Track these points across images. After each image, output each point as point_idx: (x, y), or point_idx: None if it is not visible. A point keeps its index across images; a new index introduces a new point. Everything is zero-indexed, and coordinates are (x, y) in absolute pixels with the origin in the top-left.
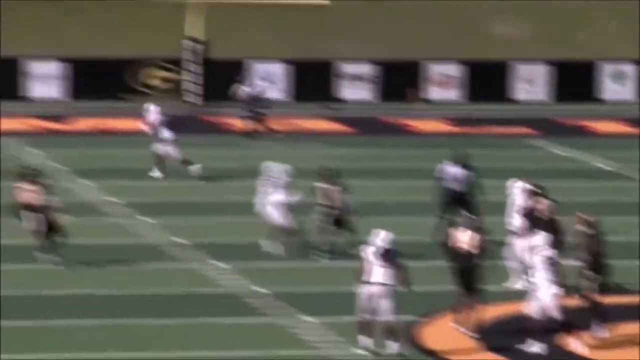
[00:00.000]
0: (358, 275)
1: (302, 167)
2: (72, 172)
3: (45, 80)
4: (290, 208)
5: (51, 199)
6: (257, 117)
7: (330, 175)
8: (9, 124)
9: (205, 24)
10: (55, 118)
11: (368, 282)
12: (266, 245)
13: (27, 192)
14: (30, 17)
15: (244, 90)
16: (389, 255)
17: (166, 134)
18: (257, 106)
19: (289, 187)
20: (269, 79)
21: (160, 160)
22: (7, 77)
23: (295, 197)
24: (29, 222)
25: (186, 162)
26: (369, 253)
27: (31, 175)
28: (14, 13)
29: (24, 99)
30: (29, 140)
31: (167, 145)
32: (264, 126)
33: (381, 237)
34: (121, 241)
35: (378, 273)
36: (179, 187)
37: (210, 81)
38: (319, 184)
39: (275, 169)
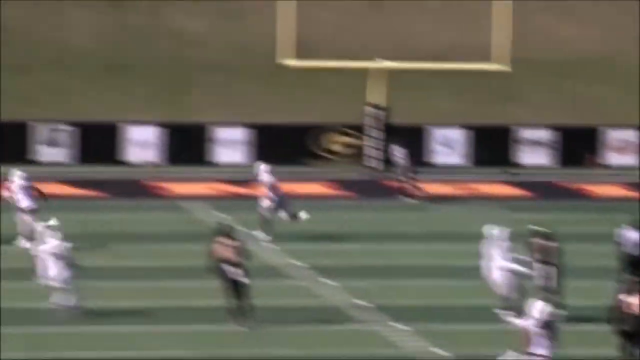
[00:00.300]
0: (519, 343)
1: (479, 231)
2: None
3: (230, 146)
4: (517, 273)
5: (246, 256)
6: (409, 180)
7: (548, 234)
8: (195, 189)
9: (386, 90)
10: (240, 182)
11: (526, 352)
12: (501, 312)
13: (227, 247)
14: (216, 85)
15: (397, 154)
16: (546, 326)
17: (271, 194)
18: (409, 170)
19: (510, 251)
20: (448, 145)
21: (265, 221)
22: (194, 143)
23: (525, 265)
24: (228, 276)
25: (294, 216)
26: (528, 323)
27: (228, 231)
28: (200, 82)
29: (210, 164)
30: (215, 204)
31: (272, 206)
32: (413, 188)
33: (539, 309)
34: (304, 303)
35: (535, 342)
36: (359, 249)
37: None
38: (536, 240)
39: (498, 233)
